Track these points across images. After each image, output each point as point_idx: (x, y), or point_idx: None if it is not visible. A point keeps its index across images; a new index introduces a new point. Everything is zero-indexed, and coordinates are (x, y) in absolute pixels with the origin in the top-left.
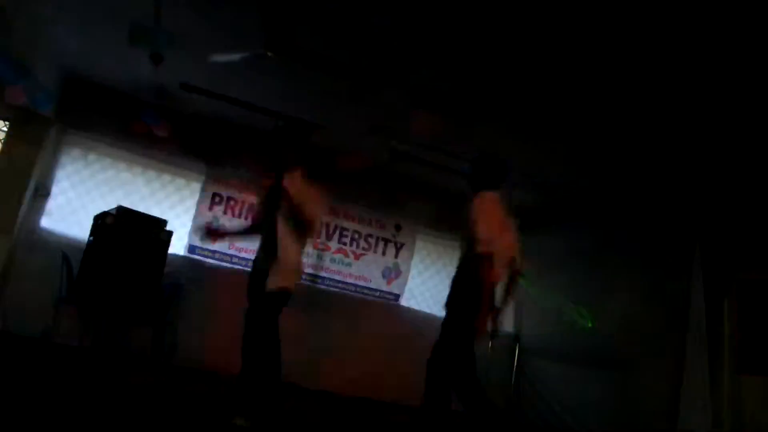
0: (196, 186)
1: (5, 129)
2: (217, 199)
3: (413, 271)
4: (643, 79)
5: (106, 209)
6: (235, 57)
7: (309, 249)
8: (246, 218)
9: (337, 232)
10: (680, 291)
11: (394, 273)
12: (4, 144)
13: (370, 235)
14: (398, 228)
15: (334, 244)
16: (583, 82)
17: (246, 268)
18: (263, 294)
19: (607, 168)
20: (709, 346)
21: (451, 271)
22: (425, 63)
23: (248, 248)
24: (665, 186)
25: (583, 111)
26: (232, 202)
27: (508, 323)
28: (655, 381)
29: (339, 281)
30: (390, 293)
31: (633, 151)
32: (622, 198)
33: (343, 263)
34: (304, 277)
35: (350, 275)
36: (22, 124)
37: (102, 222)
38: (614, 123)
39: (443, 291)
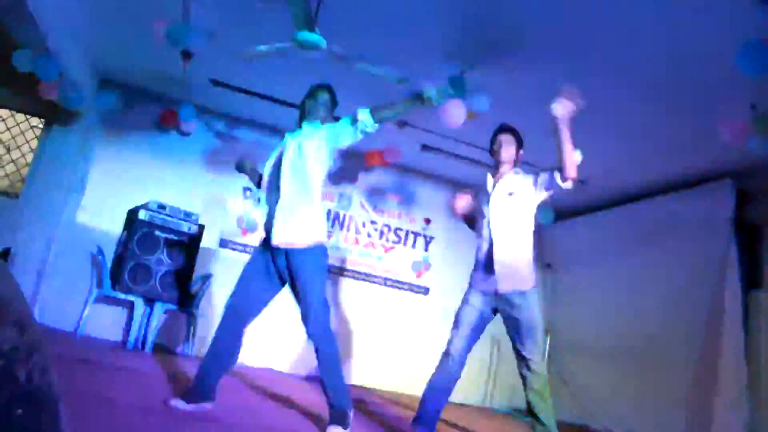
0: (228, 181)
1: (41, 126)
2: (248, 194)
3: (443, 265)
4: None
5: (139, 204)
6: (264, 52)
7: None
8: None
9: (366, 226)
10: (716, 284)
11: (423, 266)
12: (39, 140)
13: (400, 229)
14: (428, 221)
15: (363, 238)
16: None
17: None
18: None
19: (641, 157)
20: (746, 344)
21: None
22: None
23: None
24: (701, 170)
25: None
26: None
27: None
28: (690, 380)
29: (368, 274)
30: (420, 286)
31: (665, 138)
32: (657, 187)
33: (372, 256)
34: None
35: (379, 268)
36: (58, 121)
37: (135, 216)
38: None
39: None
